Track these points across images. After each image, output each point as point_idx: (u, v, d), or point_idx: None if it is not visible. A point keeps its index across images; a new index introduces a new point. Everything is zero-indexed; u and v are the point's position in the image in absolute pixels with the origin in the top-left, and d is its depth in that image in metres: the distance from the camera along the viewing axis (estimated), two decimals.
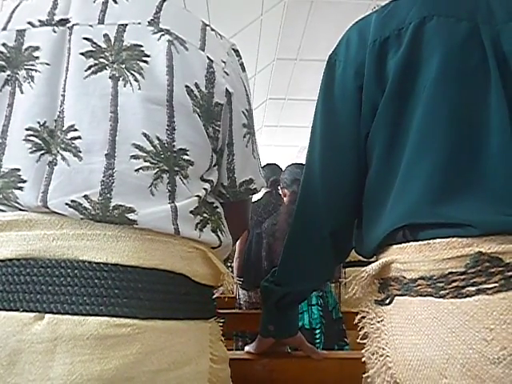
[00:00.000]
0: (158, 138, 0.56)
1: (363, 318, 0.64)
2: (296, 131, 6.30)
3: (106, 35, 0.58)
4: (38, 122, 0.55)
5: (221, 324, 0.65)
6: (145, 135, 0.55)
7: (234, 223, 0.71)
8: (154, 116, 0.56)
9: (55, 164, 0.54)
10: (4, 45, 0.58)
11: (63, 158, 0.54)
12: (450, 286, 0.51)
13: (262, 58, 4.61)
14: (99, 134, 0.54)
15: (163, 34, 0.59)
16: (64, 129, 0.55)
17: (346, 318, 1.82)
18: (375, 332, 0.60)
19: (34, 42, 0.58)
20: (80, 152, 0.54)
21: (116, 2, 0.60)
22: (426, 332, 0.51)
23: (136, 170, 0.54)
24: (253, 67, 4.59)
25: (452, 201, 0.54)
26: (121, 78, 0.56)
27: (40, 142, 0.55)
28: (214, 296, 0.65)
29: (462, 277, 0.50)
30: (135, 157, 0.54)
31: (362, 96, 0.65)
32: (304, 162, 0.75)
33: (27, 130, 0.55)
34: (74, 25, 0.58)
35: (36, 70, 0.56)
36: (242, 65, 0.70)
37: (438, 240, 0.52)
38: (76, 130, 0.54)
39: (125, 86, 0.56)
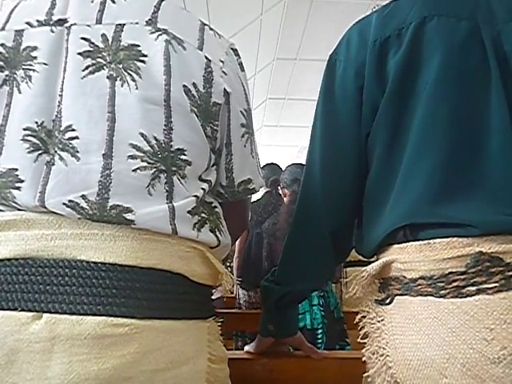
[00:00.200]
0: (155, 138, 0.56)
1: (363, 317, 0.64)
2: (296, 131, 6.30)
3: (103, 35, 0.58)
4: (36, 122, 0.55)
5: (219, 324, 0.65)
6: (142, 135, 0.55)
7: (233, 223, 0.70)
8: (151, 116, 0.56)
9: (53, 164, 0.54)
10: (2, 45, 0.58)
11: (61, 158, 0.54)
12: (451, 286, 0.51)
13: (261, 58, 4.61)
14: (97, 134, 0.54)
15: (161, 34, 0.59)
16: (62, 129, 0.55)
17: (347, 318, 1.82)
18: (375, 332, 0.60)
19: (32, 42, 0.58)
20: (77, 152, 0.54)
21: (114, 2, 0.60)
22: (426, 332, 0.51)
23: (133, 170, 0.54)
24: (252, 67, 4.59)
25: (452, 200, 0.54)
26: (118, 78, 0.56)
27: (38, 141, 0.55)
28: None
29: (463, 276, 0.50)
30: (132, 157, 0.54)
31: (362, 96, 0.65)
32: (304, 162, 0.75)
33: (25, 129, 0.55)
34: (71, 25, 0.58)
35: (34, 70, 0.57)
36: (240, 64, 0.70)
37: (439, 240, 0.52)
38: (73, 130, 0.54)
39: (122, 86, 0.56)
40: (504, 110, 0.55)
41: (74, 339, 0.47)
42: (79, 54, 0.57)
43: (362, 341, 0.63)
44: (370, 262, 0.62)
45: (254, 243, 2.30)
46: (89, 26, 0.58)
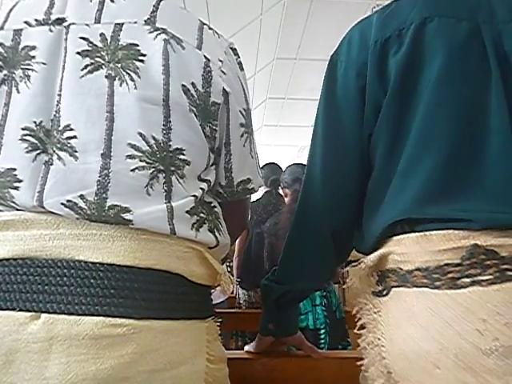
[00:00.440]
0: (153, 138, 0.56)
1: (361, 309, 0.64)
2: (296, 131, 6.30)
3: (102, 34, 0.57)
4: (34, 122, 0.55)
5: (218, 324, 0.64)
6: (140, 135, 0.55)
7: (232, 223, 0.70)
8: (149, 115, 0.56)
9: (51, 164, 0.54)
10: (1, 44, 0.58)
11: (59, 158, 0.54)
12: (446, 277, 0.51)
13: (261, 58, 4.61)
14: (95, 134, 0.54)
15: (159, 33, 0.59)
16: (60, 128, 0.55)
17: (348, 318, 1.82)
18: (371, 322, 0.61)
19: (30, 41, 0.58)
20: (76, 152, 0.54)
21: (113, 1, 0.60)
22: (421, 323, 0.52)
23: (132, 170, 0.54)
24: (252, 66, 4.59)
25: (451, 200, 0.55)
26: (117, 78, 0.56)
27: (36, 141, 0.55)
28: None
29: (458, 268, 0.51)
30: (131, 156, 0.54)
31: (364, 96, 0.65)
32: (304, 162, 0.75)
33: (23, 129, 0.55)
34: (70, 24, 0.58)
35: (32, 70, 0.56)
36: (240, 64, 0.70)
37: (435, 232, 0.53)
38: (72, 129, 0.54)
39: (121, 86, 0.55)
40: (504, 109, 0.55)
41: (72, 339, 0.47)
42: (78, 53, 0.57)
43: (358, 332, 0.63)
44: None
45: (254, 243, 2.30)
46: (87, 25, 0.58)
